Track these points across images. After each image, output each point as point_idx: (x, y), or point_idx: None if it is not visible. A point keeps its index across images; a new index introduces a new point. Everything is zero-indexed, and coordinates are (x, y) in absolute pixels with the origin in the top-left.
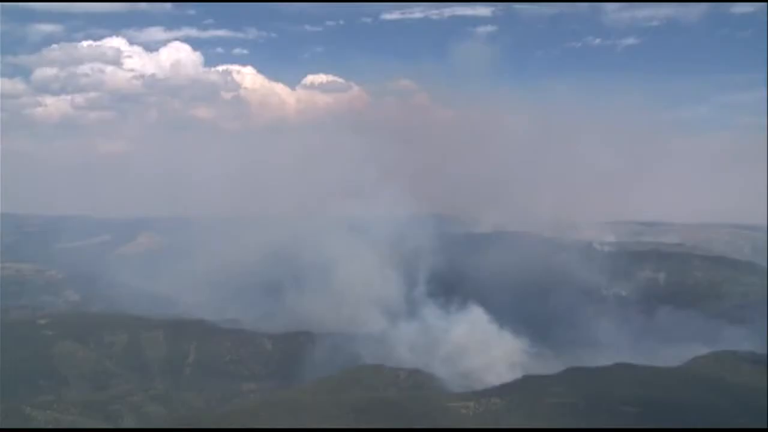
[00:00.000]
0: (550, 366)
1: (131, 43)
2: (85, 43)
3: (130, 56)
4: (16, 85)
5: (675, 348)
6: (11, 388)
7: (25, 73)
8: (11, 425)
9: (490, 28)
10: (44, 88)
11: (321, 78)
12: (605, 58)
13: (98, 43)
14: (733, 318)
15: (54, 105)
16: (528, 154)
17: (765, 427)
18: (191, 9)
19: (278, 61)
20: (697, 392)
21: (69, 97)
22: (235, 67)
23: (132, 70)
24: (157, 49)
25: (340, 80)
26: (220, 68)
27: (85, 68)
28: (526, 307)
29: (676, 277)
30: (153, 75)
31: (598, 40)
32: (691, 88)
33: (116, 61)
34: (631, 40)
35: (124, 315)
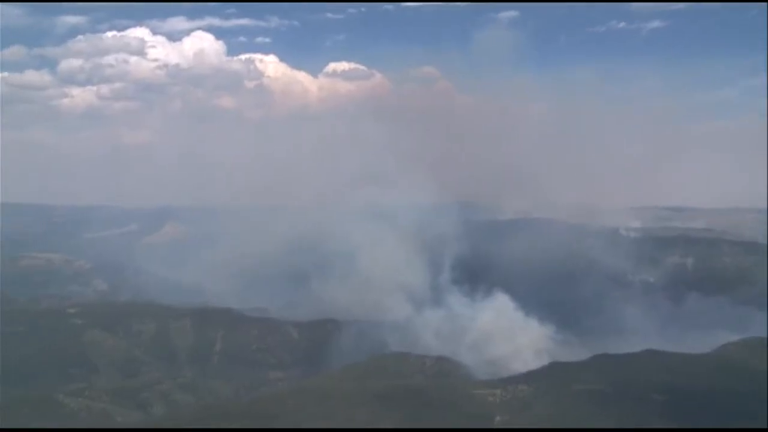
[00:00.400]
0: (577, 353)
1: (155, 33)
2: (109, 34)
3: (153, 46)
4: (43, 76)
5: (703, 334)
6: (43, 375)
7: (51, 64)
8: (44, 412)
9: (512, 13)
10: (70, 79)
11: (343, 66)
12: (629, 43)
13: (122, 33)
14: (763, 304)
15: (80, 96)
16: (552, 139)
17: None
18: None
19: (300, 50)
20: (726, 379)
21: (94, 88)
22: (257, 56)
23: (156, 60)
24: (180, 39)
25: (363, 68)
26: (243, 57)
27: (109, 59)
28: (552, 294)
29: (704, 263)
30: (177, 65)
31: (622, 24)
32: (718, 71)
33: (140, 51)
34: (656, 24)
35: (152, 304)
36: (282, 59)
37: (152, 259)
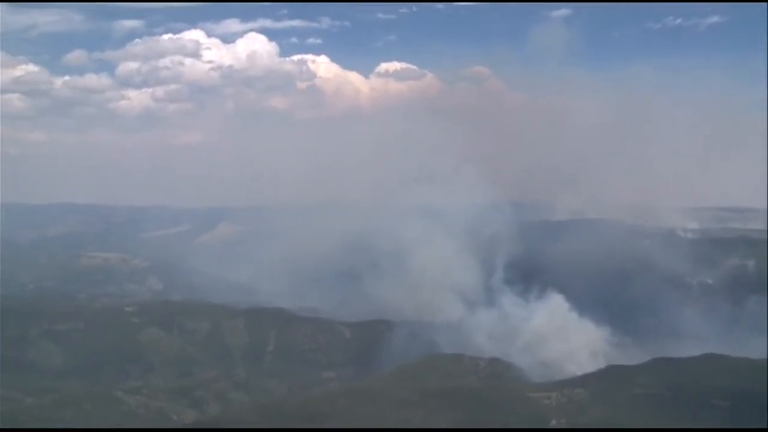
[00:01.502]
0: (633, 356)
1: (209, 35)
2: (165, 37)
3: (208, 48)
4: (102, 80)
5: (765, 338)
6: (101, 372)
7: (109, 68)
8: (102, 409)
9: (565, 11)
10: (127, 82)
11: (394, 66)
12: (687, 39)
13: (178, 36)
14: None
15: (136, 98)
16: (606, 138)
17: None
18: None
19: (352, 50)
20: None
21: (150, 90)
22: (309, 57)
23: (210, 61)
24: (234, 41)
25: (414, 68)
26: (295, 58)
27: (165, 61)
28: (607, 296)
29: (766, 264)
30: (230, 66)
31: (679, 20)
32: None
33: (195, 53)
34: (714, 18)
35: (206, 303)
36: (333, 60)
37: (205, 259)
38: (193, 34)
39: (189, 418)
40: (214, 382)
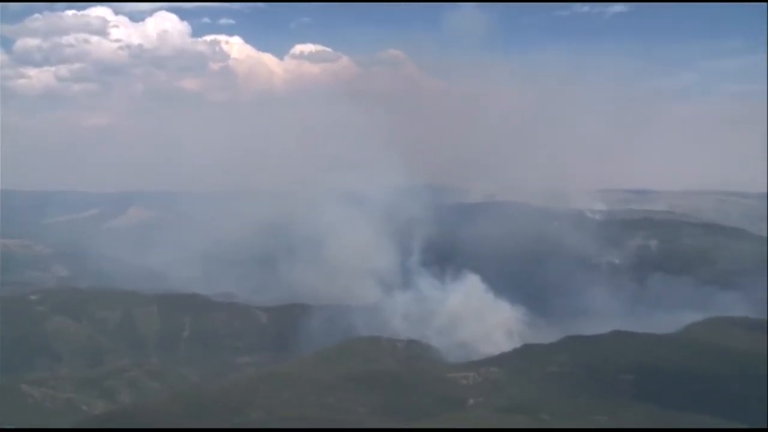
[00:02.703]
0: (546, 334)
1: (116, 12)
2: (69, 12)
3: (116, 26)
4: None
5: (668, 314)
6: (5, 364)
7: (6, 43)
8: (6, 403)
9: None
10: (27, 59)
11: (309, 48)
12: (593, 27)
13: (83, 12)
14: (725, 284)
15: (36, 77)
16: (518, 123)
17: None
18: None
19: (266, 31)
20: (693, 359)
21: (53, 69)
22: (222, 38)
23: (118, 40)
24: (143, 19)
25: (329, 50)
26: (208, 38)
27: (69, 38)
28: (520, 277)
29: (667, 244)
30: (139, 45)
31: (586, 8)
32: (679, 54)
33: (102, 31)
34: (619, 8)
35: (117, 290)
36: (247, 41)
37: (115, 244)
38: (99, 11)
39: (99, 409)
40: (126, 370)
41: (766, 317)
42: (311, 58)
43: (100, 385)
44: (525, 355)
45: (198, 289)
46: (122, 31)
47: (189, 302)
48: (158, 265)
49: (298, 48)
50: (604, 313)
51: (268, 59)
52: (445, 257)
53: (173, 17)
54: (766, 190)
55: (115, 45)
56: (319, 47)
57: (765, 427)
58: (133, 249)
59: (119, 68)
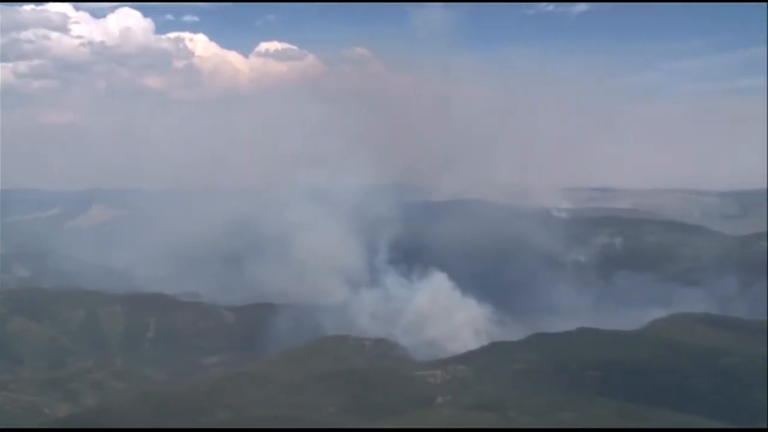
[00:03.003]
0: (513, 332)
1: (77, 8)
2: (27, 7)
3: (77, 22)
4: None
5: (632, 311)
6: None
7: None
8: None
9: None
10: None
11: (275, 45)
12: (558, 26)
13: (41, 7)
14: (687, 280)
15: None
16: (484, 121)
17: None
18: None
19: (230, 29)
20: (657, 354)
21: (11, 65)
22: (186, 35)
23: (79, 36)
24: (104, 16)
25: (294, 48)
26: (172, 35)
27: (28, 34)
28: (487, 274)
29: (631, 241)
30: (101, 42)
31: (551, 7)
32: (643, 54)
33: (62, 27)
34: (582, 7)
35: (79, 290)
36: (212, 38)
37: (78, 244)
38: (59, 7)
39: (63, 411)
40: (90, 372)
41: (726, 313)
42: (277, 56)
43: (64, 387)
44: (492, 352)
45: (163, 288)
46: (83, 28)
47: (154, 302)
48: (122, 264)
49: (264, 46)
50: (570, 310)
51: (233, 57)
52: (412, 255)
53: (136, 14)
54: (725, 189)
55: (77, 41)
56: (284, 45)
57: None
58: (96, 248)
59: (80, 65)
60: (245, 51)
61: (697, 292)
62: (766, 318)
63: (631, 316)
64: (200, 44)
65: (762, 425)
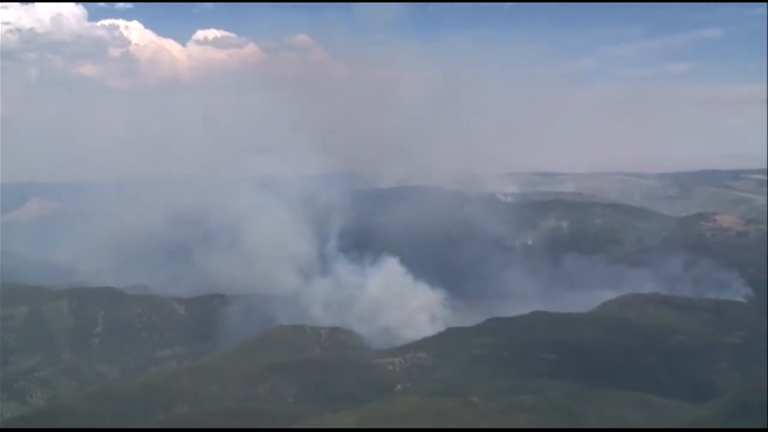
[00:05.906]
0: (467, 317)
1: None
2: None
3: (4, 8)
4: None
5: (583, 293)
6: None
7: None
8: None
9: None
10: None
11: (213, 33)
12: (498, 12)
13: None
14: (633, 261)
15: None
16: (428, 108)
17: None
18: None
19: (166, 16)
20: (609, 335)
21: None
22: (121, 22)
23: (7, 23)
24: (33, 1)
25: (233, 35)
26: (106, 23)
27: None
28: (438, 260)
29: (578, 224)
30: (32, 29)
31: None
32: (579, 40)
33: None
34: None
35: (20, 285)
36: (147, 26)
37: (16, 238)
38: None
39: (11, 412)
40: (38, 370)
41: (672, 293)
42: (216, 43)
43: (11, 386)
44: (449, 338)
45: (109, 282)
46: (11, 13)
47: (101, 296)
48: (64, 258)
49: (201, 34)
50: (522, 294)
51: (170, 45)
52: (362, 242)
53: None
54: (662, 171)
55: (4, 28)
56: (223, 33)
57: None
58: (36, 243)
59: (9, 53)
60: (182, 39)
61: (643, 273)
62: (710, 297)
63: (581, 298)
64: (135, 32)
65: (710, 401)
